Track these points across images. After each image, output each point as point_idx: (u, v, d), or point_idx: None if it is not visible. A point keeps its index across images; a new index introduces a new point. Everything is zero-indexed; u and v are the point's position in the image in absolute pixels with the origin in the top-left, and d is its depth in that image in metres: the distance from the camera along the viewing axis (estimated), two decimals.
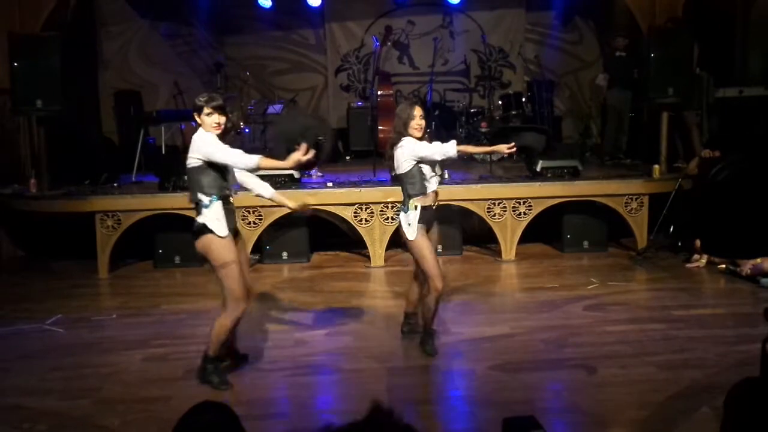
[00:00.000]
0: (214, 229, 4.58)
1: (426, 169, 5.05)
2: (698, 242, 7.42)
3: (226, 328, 4.68)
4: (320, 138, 4.06)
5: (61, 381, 4.90)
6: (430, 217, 5.13)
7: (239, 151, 4.55)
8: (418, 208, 5.04)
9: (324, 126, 3.94)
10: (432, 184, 5.08)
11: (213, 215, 4.59)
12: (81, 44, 10.15)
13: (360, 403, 4.51)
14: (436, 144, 5.02)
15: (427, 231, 5.14)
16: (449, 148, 4.96)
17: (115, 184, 8.54)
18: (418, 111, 5.04)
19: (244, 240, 4.90)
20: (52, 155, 8.52)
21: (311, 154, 4.55)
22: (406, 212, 5.09)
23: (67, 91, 8.20)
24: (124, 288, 7.40)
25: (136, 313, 6.42)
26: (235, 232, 4.76)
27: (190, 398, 4.54)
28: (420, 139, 5.04)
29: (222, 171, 4.63)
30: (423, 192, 5.06)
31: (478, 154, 4.95)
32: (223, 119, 4.62)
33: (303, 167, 4.51)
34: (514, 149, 5.19)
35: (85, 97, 10.41)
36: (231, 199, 4.74)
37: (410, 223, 5.06)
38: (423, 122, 5.04)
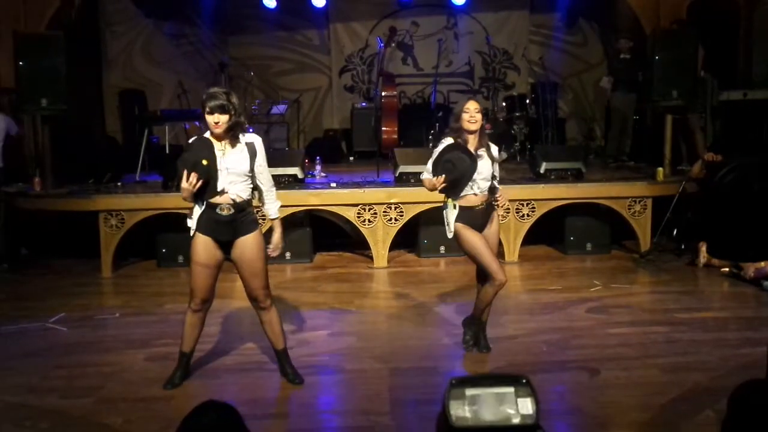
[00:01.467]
0: (190, 226, 4.56)
1: None
2: (702, 245, 7.42)
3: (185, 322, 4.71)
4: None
5: (63, 379, 4.90)
6: (477, 218, 5.01)
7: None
8: (457, 208, 5.00)
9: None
10: (473, 188, 4.96)
11: (193, 214, 4.55)
12: (85, 44, 10.19)
13: (363, 403, 4.52)
14: (429, 164, 5.00)
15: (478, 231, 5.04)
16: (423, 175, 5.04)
17: (119, 184, 8.55)
18: (472, 104, 4.94)
19: (249, 251, 4.60)
20: (57, 154, 8.54)
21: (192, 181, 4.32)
22: (444, 210, 5.09)
23: (71, 90, 8.22)
24: (127, 287, 7.41)
25: (138, 312, 6.43)
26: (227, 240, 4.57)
27: (193, 398, 4.58)
28: (471, 132, 4.94)
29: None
30: (457, 193, 4.98)
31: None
32: (222, 118, 4.37)
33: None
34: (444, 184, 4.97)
35: (89, 96, 10.45)
36: (222, 210, 4.46)
37: (448, 222, 5.05)
38: (478, 116, 4.91)
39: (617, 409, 4.40)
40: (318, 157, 9.23)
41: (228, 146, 4.45)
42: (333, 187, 8.17)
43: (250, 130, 10.28)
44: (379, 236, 7.98)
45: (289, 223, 8.00)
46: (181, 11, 11.56)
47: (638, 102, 10.02)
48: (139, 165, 8.93)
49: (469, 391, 2.34)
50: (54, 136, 8.48)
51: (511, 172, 9.25)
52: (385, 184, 8.31)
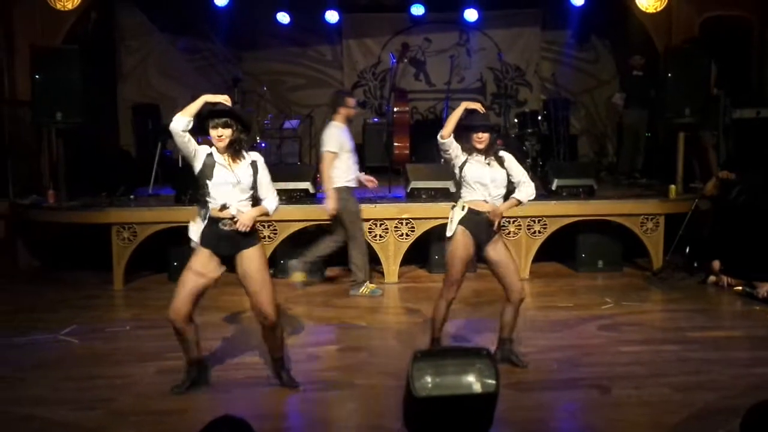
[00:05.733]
0: (191, 237, 4.64)
1: (468, 176, 5.05)
2: (716, 263, 7.37)
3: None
4: None
5: (74, 391, 4.92)
6: (482, 227, 5.05)
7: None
8: (465, 209, 5.05)
9: None
10: (481, 194, 5.04)
11: (194, 227, 4.66)
12: (100, 58, 10.30)
13: (373, 419, 4.52)
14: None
15: (479, 243, 5.08)
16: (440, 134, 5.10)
17: (132, 197, 8.60)
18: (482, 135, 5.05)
19: (255, 264, 4.65)
20: (71, 167, 8.61)
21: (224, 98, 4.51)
22: (452, 208, 5.15)
23: (86, 103, 8.30)
24: (139, 300, 7.43)
25: (150, 325, 6.44)
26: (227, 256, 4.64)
27: (206, 411, 4.58)
28: (479, 151, 5.04)
29: (203, 182, 4.52)
30: (463, 196, 5.09)
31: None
32: (225, 132, 4.48)
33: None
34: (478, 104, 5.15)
35: (103, 110, 10.53)
36: (225, 225, 4.52)
37: (451, 220, 5.11)
38: (484, 135, 5.03)
39: (628, 428, 4.39)
40: None
41: (231, 160, 4.55)
42: None
43: (263, 145, 10.41)
44: (390, 251, 7.98)
45: (301, 237, 8.04)
46: (196, 26, 11.66)
47: (650, 119, 10.00)
48: (152, 178, 8.99)
49: (432, 363, 2.36)
50: (68, 149, 8.57)
51: None
52: (396, 199, 8.33)
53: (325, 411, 4.77)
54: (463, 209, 5.07)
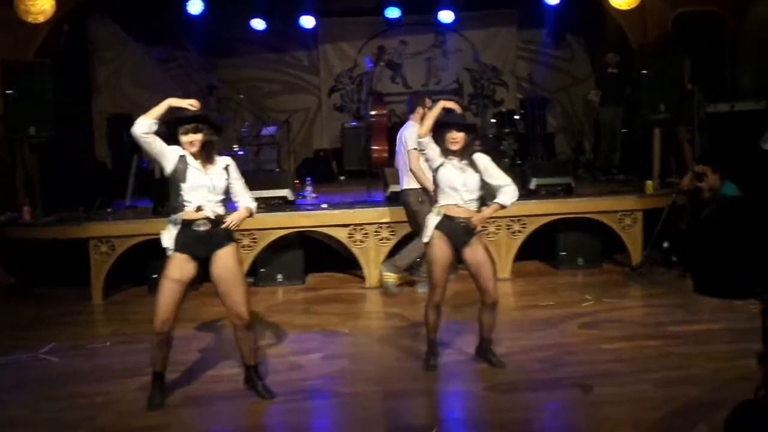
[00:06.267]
0: (165, 246, 4.61)
1: (441, 181, 5.06)
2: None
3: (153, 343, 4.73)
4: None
5: (54, 411, 4.86)
6: (458, 232, 5.06)
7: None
8: (440, 215, 5.06)
9: None
10: (453, 198, 5.04)
11: (166, 232, 4.63)
12: (74, 70, 10.19)
13: (357, 427, 4.50)
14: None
15: (456, 247, 5.09)
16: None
17: (109, 210, 8.53)
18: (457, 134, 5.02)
19: (229, 263, 4.68)
20: (46, 182, 8.53)
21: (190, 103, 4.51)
22: (429, 214, 5.19)
23: (60, 117, 8.23)
24: (119, 314, 7.37)
25: (130, 340, 6.39)
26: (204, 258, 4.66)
27: (187, 427, 4.57)
28: (455, 153, 5.02)
29: (176, 185, 4.54)
30: (438, 200, 5.11)
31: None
32: (196, 137, 4.50)
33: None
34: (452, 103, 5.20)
35: (78, 122, 10.42)
36: (199, 226, 4.57)
37: (427, 226, 5.13)
38: (458, 135, 5.00)
39: (612, 426, 4.39)
40: (308, 178, 9.23)
41: (205, 164, 4.57)
42: (324, 208, 8.17)
43: (241, 152, 10.36)
44: (371, 256, 7.97)
45: (281, 244, 8.01)
46: (170, 35, 11.58)
47: (626, 115, 10.06)
48: (129, 190, 8.91)
49: None
50: (43, 163, 8.49)
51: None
52: (376, 203, 8.32)
53: (309, 421, 4.75)
54: (438, 215, 5.08)
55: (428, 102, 7.35)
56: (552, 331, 6.17)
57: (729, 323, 6.19)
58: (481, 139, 10.37)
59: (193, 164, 4.56)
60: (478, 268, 5.12)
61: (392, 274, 7.47)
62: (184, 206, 4.57)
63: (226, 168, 4.68)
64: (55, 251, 8.30)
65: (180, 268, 4.60)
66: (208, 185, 4.56)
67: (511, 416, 4.57)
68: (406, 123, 7.45)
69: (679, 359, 5.36)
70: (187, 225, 4.57)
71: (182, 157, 4.56)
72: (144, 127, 4.46)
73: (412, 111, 7.39)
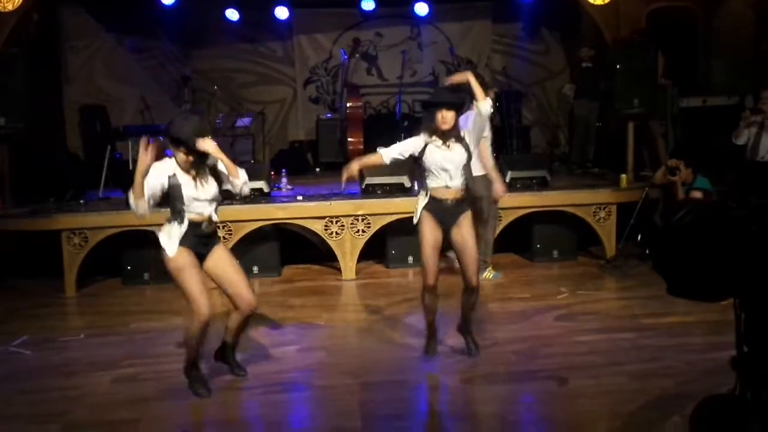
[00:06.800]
0: (164, 247, 4.62)
1: (428, 162, 5.05)
2: None
3: (190, 333, 4.69)
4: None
5: (27, 405, 4.80)
6: (446, 213, 5.07)
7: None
8: (428, 197, 5.09)
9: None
10: (443, 179, 5.04)
11: (166, 231, 4.66)
12: (45, 60, 10.03)
13: (334, 420, 4.50)
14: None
15: (445, 227, 5.10)
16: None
17: (82, 201, 8.40)
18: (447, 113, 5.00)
19: (227, 254, 4.88)
20: (17, 173, 8.40)
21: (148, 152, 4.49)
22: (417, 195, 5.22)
23: (30, 107, 8.10)
24: (92, 307, 7.29)
25: (104, 333, 6.32)
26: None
27: (160, 420, 4.54)
28: (444, 133, 5.01)
29: (173, 200, 4.62)
30: (427, 184, 5.10)
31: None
32: (190, 157, 4.59)
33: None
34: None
35: (49, 113, 10.28)
36: (203, 226, 4.69)
37: (416, 208, 5.16)
38: (449, 114, 4.98)
39: (587, 418, 4.43)
40: (284, 170, 9.18)
41: (197, 177, 4.64)
42: (299, 200, 8.13)
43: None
44: (347, 248, 7.96)
45: (256, 237, 7.97)
46: (143, 25, 11.44)
47: (601, 109, 10.13)
48: (102, 181, 8.80)
49: None
50: (14, 154, 8.35)
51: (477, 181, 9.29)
52: (351, 195, 8.29)
53: (286, 413, 4.73)
54: (426, 196, 5.10)
55: (491, 93, 7.31)
56: (527, 324, 6.20)
57: (702, 315, 6.25)
58: None
59: (185, 180, 4.62)
60: (463, 246, 5.12)
61: (489, 271, 7.60)
62: (185, 213, 4.63)
63: (215, 174, 4.75)
64: (27, 243, 8.19)
65: (191, 257, 4.66)
66: (203, 198, 4.66)
67: (488, 409, 4.60)
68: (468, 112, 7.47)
69: (654, 351, 5.41)
70: (194, 226, 4.66)
71: (171, 176, 4.60)
72: (141, 209, 4.53)
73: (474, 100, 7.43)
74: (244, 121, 11.08)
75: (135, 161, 8.82)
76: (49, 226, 7.73)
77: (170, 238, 4.63)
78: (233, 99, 12.00)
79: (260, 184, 8.18)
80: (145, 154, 4.48)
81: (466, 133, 5.15)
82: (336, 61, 12.17)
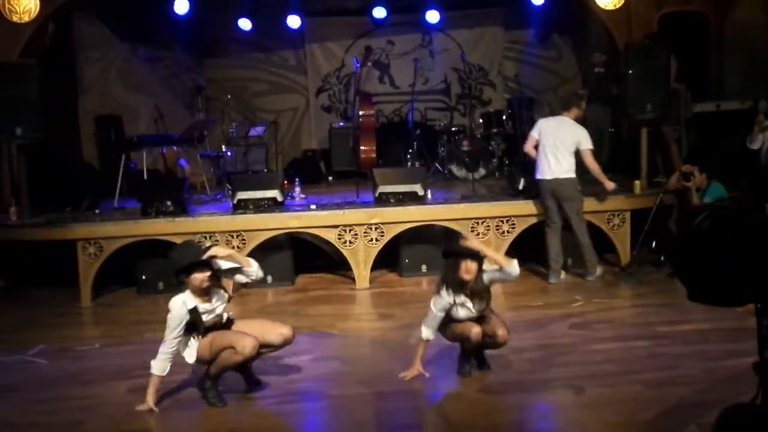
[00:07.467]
0: (187, 358, 4.84)
1: (456, 318, 5.11)
2: None
3: (228, 361, 4.76)
4: None
5: (43, 414, 4.82)
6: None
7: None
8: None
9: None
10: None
11: (188, 347, 4.83)
12: (60, 70, 10.12)
13: (348, 430, 4.49)
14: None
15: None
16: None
17: (97, 211, 8.45)
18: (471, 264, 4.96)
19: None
20: (33, 183, 8.47)
21: None
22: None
23: (46, 117, 8.17)
24: (107, 316, 7.33)
25: (119, 342, 6.36)
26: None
27: (174, 430, 4.54)
28: (466, 284, 5.00)
29: (196, 322, 4.75)
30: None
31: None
32: (205, 275, 4.69)
33: None
34: None
35: (65, 123, 10.36)
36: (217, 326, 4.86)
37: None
38: (472, 265, 4.94)
39: (603, 427, 4.40)
40: (297, 179, 9.20)
41: (207, 299, 4.78)
42: (313, 209, 8.15)
43: (229, 153, 10.33)
44: (361, 257, 7.96)
45: (270, 246, 7.99)
46: (157, 35, 11.53)
47: (613, 115, 10.09)
48: (117, 191, 8.85)
49: None
50: (30, 164, 8.42)
51: (490, 188, 9.30)
52: (365, 204, 8.30)
53: (300, 423, 4.74)
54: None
55: (583, 104, 7.97)
56: (542, 332, 6.18)
57: (718, 323, 6.22)
58: (468, 140, 10.46)
59: (202, 308, 4.75)
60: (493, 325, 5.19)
61: (596, 273, 7.81)
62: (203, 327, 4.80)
63: (219, 293, 4.86)
64: (43, 253, 8.24)
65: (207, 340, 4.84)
66: (219, 310, 4.85)
67: (503, 418, 4.58)
68: (558, 117, 7.92)
69: (669, 359, 5.38)
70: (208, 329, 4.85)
71: (192, 309, 4.71)
72: (167, 367, 4.76)
73: (566, 108, 7.86)
74: (257, 131, 11.12)
75: (149, 171, 8.92)
76: (65, 236, 7.78)
77: (191, 347, 4.79)
78: (246, 108, 12.06)
79: (274, 194, 8.21)
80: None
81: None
82: (348, 70, 12.21)
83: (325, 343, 6.19)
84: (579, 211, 7.72)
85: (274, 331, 4.91)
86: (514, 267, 5.07)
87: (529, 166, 8.39)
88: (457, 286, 4.98)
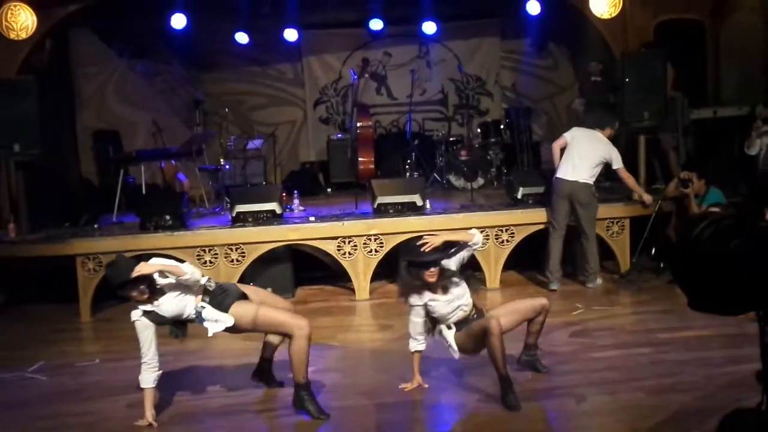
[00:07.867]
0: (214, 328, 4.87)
1: (437, 313, 5.05)
2: None
3: (301, 349, 4.78)
4: None
5: (44, 431, 4.81)
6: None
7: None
8: (452, 327, 5.06)
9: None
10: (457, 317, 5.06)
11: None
12: (58, 86, 10.17)
13: None
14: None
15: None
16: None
17: (96, 226, 8.46)
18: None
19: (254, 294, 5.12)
20: (31, 198, 8.48)
21: None
22: (439, 334, 5.14)
23: (44, 133, 8.20)
24: (107, 331, 7.30)
25: (119, 357, 6.32)
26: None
27: None
28: (433, 285, 4.97)
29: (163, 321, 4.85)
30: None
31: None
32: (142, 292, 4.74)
33: None
34: None
35: (63, 138, 10.41)
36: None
37: (450, 344, 5.08)
38: (432, 270, 4.91)
39: None
40: (295, 191, 9.22)
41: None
42: (312, 221, 8.15)
43: (227, 167, 10.34)
44: (360, 268, 7.95)
45: (269, 258, 7.98)
46: (154, 49, 11.58)
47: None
48: (116, 206, 8.85)
49: None
50: (28, 180, 8.43)
51: (488, 198, 9.31)
52: (364, 215, 8.31)
53: None
54: (450, 328, 5.07)
55: (617, 125, 8.16)
56: (543, 341, 6.09)
57: (719, 329, 6.20)
58: (466, 150, 10.49)
59: (160, 308, 4.81)
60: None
61: (597, 282, 7.84)
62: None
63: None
64: (42, 269, 8.23)
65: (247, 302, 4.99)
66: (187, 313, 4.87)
67: (505, 427, 4.56)
68: (592, 131, 7.95)
69: (671, 366, 5.37)
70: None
71: (148, 312, 4.79)
72: (154, 377, 4.78)
73: (601, 127, 7.93)
74: (255, 143, 11.15)
75: (148, 185, 8.91)
76: (64, 252, 7.77)
77: (219, 320, 4.79)
78: (244, 121, 12.09)
79: (272, 206, 8.22)
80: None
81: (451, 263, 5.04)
82: (345, 82, 12.25)
83: (326, 355, 6.17)
84: (593, 218, 7.76)
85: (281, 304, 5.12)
86: (476, 238, 5.06)
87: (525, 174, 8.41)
88: (425, 289, 4.98)
